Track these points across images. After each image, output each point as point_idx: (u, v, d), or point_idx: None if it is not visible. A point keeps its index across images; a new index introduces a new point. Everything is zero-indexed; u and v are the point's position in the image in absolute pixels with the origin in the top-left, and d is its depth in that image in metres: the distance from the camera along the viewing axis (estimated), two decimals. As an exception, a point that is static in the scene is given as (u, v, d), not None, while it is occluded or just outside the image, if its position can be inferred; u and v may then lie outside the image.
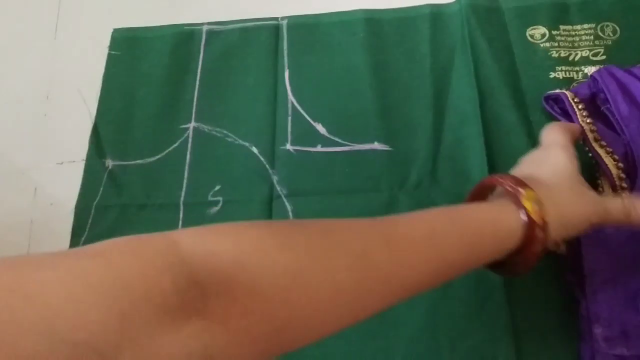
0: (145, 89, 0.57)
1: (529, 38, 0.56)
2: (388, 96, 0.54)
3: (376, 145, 0.51)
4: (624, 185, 0.45)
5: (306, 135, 0.52)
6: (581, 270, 0.42)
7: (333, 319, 0.30)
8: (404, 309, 0.45)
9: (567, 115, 0.49)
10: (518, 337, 0.43)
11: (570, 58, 0.55)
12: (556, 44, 0.55)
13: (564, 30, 0.56)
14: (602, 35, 0.56)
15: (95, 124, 0.56)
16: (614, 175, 0.45)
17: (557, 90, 0.51)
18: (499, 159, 0.50)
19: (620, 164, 0.46)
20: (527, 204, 0.35)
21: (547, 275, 0.45)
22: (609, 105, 0.49)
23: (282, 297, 0.26)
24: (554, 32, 0.56)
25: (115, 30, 0.60)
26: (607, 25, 0.56)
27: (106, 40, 0.60)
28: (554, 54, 0.55)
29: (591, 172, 0.47)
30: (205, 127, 0.54)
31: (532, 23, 0.57)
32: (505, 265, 0.37)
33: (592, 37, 0.56)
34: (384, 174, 0.50)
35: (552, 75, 0.53)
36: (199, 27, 0.59)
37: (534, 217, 0.34)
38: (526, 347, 0.43)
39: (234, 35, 0.58)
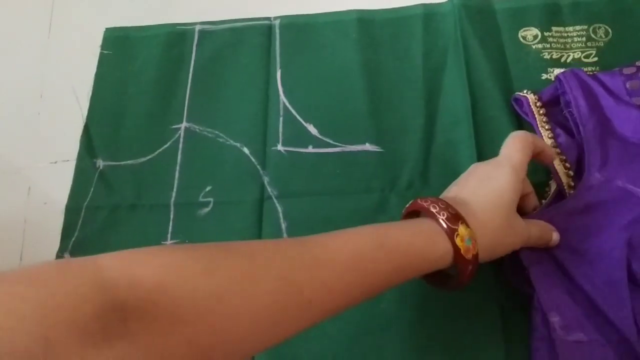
0: (136, 88, 0.56)
1: (521, 39, 0.56)
2: (380, 97, 0.54)
3: (367, 147, 0.51)
4: (572, 192, 0.46)
5: (297, 136, 0.52)
6: (523, 265, 0.43)
7: (253, 343, 0.30)
8: (395, 307, 0.45)
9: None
10: (508, 335, 0.43)
11: (562, 60, 0.55)
12: (548, 46, 0.55)
13: (556, 31, 0.56)
14: (594, 37, 0.56)
15: (87, 123, 0.55)
16: (564, 184, 0.47)
17: (523, 92, 0.51)
18: (488, 157, 0.50)
19: (571, 172, 0.47)
20: (460, 243, 0.35)
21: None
22: (570, 109, 0.49)
23: (203, 322, 0.27)
24: (546, 34, 0.56)
25: (107, 30, 0.60)
26: (599, 27, 0.56)
27: (98, 40, 0.59)
28: (546, 56, 0.55)
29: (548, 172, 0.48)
30: (197, 128, 0.54)
31: (525, 24, 0.57)
32: (436, 279, 0.39)
33: (584, 38, 0.56)
34: (375, 175, 0.50)
35: (544, 76, 0.53)
36: (191, 27, 0.59)
37: (465, 255, 0.35)
38: (515, 345, 0.43)
39: (226, 35, 0.58)
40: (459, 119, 0.52)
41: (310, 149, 0.52)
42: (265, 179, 0.51)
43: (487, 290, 0.45)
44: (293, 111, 0.54)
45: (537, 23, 0.56)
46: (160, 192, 0.51)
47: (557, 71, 0.51)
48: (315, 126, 0.53)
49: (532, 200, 0.45)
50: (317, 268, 0.32)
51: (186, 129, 0.54)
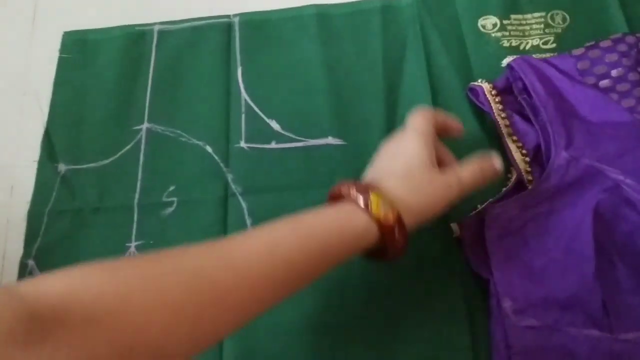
0: (97, 91, 0.56)
1: (481, 28, 0.56)
2: (341, 91, 0.54)
3: (330, 140, 0.51)
4: (530, 178, 0.47)
5: (260, 132, 0.52)
6: (484, 250, 0.43)
7: (178, 340, 0.30)
8: (360, 301, 0.45)
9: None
10: (473, 319, 0.44)
11: (521, 47, 0.55)
12: (507, 34, 0.56)
13: (514, 19, 0.57)
14: (552, 23, 0.56)
15: (47, 128, 0.55)
16: (522, 170, 0.47)
17: (477, 82, 0.52)
18: (452, 150, 0.50)
19: (527, 159, 0.47)
20: (376, 210, 0.36)
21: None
22: (525, 95, 0.50)
23: (117, 321, 0.28)
24: (505, 22, 0.56)
25: (66, 33, 0.59)
26: (557, 14, 0.57)
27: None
28: (505, 44, 0.55)
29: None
30: (159, 128, 0.53)
31: (484, 13, 0.57)
32: (376, 254, 0.39)
33: (542, 25, 0.56)
34: (339, 169, 0.50)
35: (504, 64, 0.54)
36: (150, 27, 0.58)
37: (384, 220, 0.36)
38: (481, 328, 0.43)
39: (186, 34, 0.58)
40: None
41: (273, 145, 0.52)
42: (229, 177, 0.51)
43: (452, 277, 0.45)
44: (255, 107, 0.53)
45: (496, 11, 0.57)
46: (123, 194, 0.51)
47: (511, 59, 0.52)
48: (277, 122, 0.53)
49: (449, 122, 0.45)
50: (231, 262, 0.32)
51: (148, 129, 0.53)
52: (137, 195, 0.51)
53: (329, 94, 0.54)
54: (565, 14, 0.56)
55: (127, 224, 0.50)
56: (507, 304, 0.41)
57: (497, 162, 0.43)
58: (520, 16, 0.57)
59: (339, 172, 0.50)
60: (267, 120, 0.53)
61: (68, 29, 0.59)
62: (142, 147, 0.53)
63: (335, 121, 0.52)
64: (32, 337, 0.25)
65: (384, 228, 0.36)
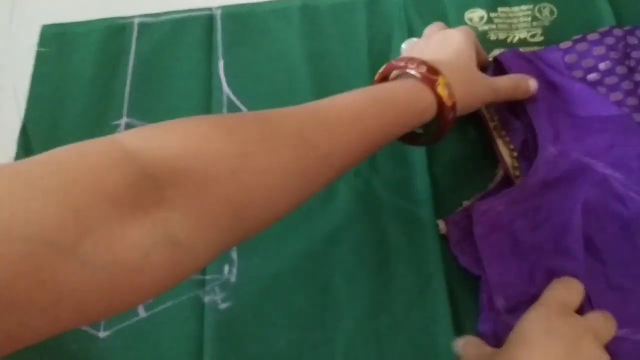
0: (75, 85, 0.54)
1: (468, 21, 0.55)
2: (325, 84, 0.53)
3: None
4: (517, 173, 0.46)
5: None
6: (474, 247, 0.43)
7: (282, 199, 0.32)
8: (344, 299, 0.44)
9: None
10: (458, 320, 0.43)
11: (508, 40, 0.54)
12: (494, 27, 0.55)
13: (502, 12, 0.56)
14: (539, 16, 0.55)
15: (24, 124, 0.53)
16: (509, 165, 0.46)
17: None
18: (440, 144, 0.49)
19: (515, 154, 0.47)
20: (441, 90, 0.39)
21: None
22: None
23: (234, 180, 0.28)
24: (492, 15, 0.56)
25: (44, 27, 0.58)
26: (545, 7, 0.56)
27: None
28: (492, 37, 0.54)
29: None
30: (137, 122, 0.52)
31: (471, 6, 0.56)
32: (418, 137, 0.43)
33: (529, 18, 0.55)
34: (322, 163, 0.49)
35: (490, 58, 0.53)
36: (130, 20, 0.57)
37: (446, 101, 0.39)
38: (466, 329, 0.42)
39: (167, 27, 0.56)
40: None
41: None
42: (210, 172, 0.50)
43: (436, 278, 0.44)
44: (237, 101, 0.52)
45: (483, 4, 0.56)
46: None
47: (499, 52, 0.51)
48: (260, 116, 0.52)
49: (482, 55, 0.49)
50: (327, 125, 0.34)
51: (127, 124, 0.52)
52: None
53: (313, 87, 0.52)
54: (552, 6, 0.56)
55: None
56: (500, 303, 0.40)
57: (532, 83, 0.46)
58: (507, 9, 0.56)
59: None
60: (249, 115, 0.52)
61: (46, 22, 0.58)
62: (121, 142, 0.51)
63: (319, 115, 0.51)
64: (143, 201, 0.24)
65: (443, 109, 0.39)
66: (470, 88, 0.42)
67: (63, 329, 0.23)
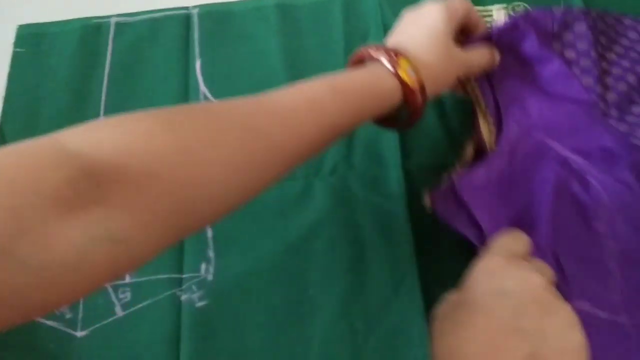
0: (52, 86, 0.54)
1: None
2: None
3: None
4: (494, 147, 0.46)
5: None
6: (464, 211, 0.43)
7: (233, 192, 0.31)
8: (320, 297, 0.44)
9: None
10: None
11: (483, 38, 0.55)
12: (469, 25, 0.56)
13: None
14: (513, 15, 0.56)
15: (0, 125, 0.53)
16: (487, 144, 0.46)
17: None
18: (411, 141, 0.50)
19: (493, 127, 0.46)
20: (403, 74, 0.38)
21: (460, 259, 0.44)
22: None
23: (176, 175, 0.28)
24: (466, 13, 0.56)
25: (20, 27, 0.57)
26: (519, 5, 0.57)
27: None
28: (467, 35, 0.55)
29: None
30: (115, 122, 0.52)
31: (446, 5, 0.57)
32: (391, 120, 0.42)
33: (503, 17, 0.56)
34: (299, 162, 0.50)
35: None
36: (106, 20, 0.57)
37: (412, 85, 0.38)
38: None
39: (144, 26, 0.56)
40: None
41: (232, 139, 0.51)
42: (187, 171, 0.50)
43: (410, 276, 0.44)
44: (213, 100, 0.52)
45: (458, 3, 0.56)
46: None
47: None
48: (237, 115, 0.52)
49: (480, 25, 0.47)
50: (279, 115, 0.33)
51: (104, 124, 0.52)
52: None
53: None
54: (526, 5, 0.56)
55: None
56: None
57: (497, 55, 0.46)
58: (481, 7, 0.56)
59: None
60: (226, 114, 0.52)
61: (22, 22, 0.58)
62: (98, 142, 0.51)
63: (295, 114, 0.51)
64: (84, 199, 0.24)
65: (408, 92, 0.39)
66: (442, 68, 0.41)
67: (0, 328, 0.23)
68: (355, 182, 0.49)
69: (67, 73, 0.55)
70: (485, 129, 0.46)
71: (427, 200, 0.45)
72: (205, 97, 0.53)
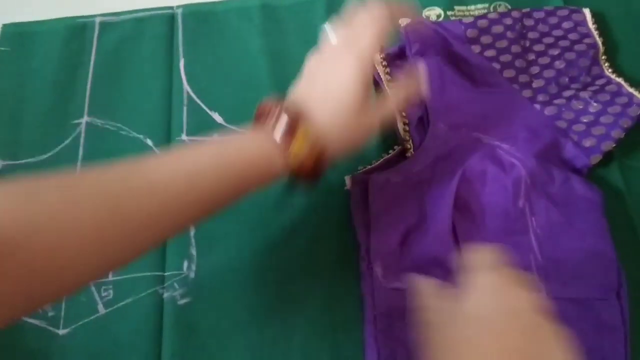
0: (36, 85, 0.54)
1: (425, 19, 0.56)
2: (285, 82, 0.53)
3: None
4: (408, 146, 0.48)
5: (202, 124, 0.51)
6: (368, 214, 0.45)
7: (94, 264, 0.31)
8: (301, 294, 0.45)
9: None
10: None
11: (465, 38, 0.55)
12: (451, 25, 0.56)
13: (458, 10, 0.57)
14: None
15: (-16, 124, 0.53)
16: (401, 139, 0.48)
17: None
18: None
19: (407, 127, 0.48)
20: (293, 160, 0.36)
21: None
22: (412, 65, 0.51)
23: (34, 245, 0.28)
24: (449, 13, 0.57)
25: (4, 26, 0.58)
26: (500, 5, 0.57)
27: None
28: (449, 35, 0.55)
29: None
30: (98, 121, 0.52)
31: (428, 4, 0.57)
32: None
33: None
34: (282, 160, 0.50)
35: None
36: (91, 19, 0.57)
37: (303, 164, 0.36)
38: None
39: (128, 26, 0.57)
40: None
41: (215, 138, 0.51)
42: (170, 170, 0.50)
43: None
44: (197, 100, 0.53)
45: (441, 2, 0.57)
46: None
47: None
48: (220, 114, 0.52)
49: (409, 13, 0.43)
50: (151, 188, 0.32)
51: (87, 123, 0.52)
52: (75, 190, 0.50)
53: (274, 85, 0.53)
54: (507, 4, 0.57)
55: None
56: (378, 269, 0.43)
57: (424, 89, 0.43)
58: (464, 7, 0.57)
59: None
60: (210, 113, 0.52)
61: (7, 22, 0.58)
62: (82, 141, 0.52)
63: (278, 113, 0.52)
64: None
65: (300, 169, 0.37)
66: (348, 133, 0.38)
67: None
68: (335, 176, 0.49)
69: (51, 72, 0.55)
70: (401, 128, 0.48)
71: (348, 183, 0.47)
72: (189, 96, 0.53)
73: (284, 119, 0.36)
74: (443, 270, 0.42)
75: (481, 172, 0.46)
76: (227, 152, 0.36)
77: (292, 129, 0.36)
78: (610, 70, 0.52)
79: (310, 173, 0.37)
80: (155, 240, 0.34)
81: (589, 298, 0.42)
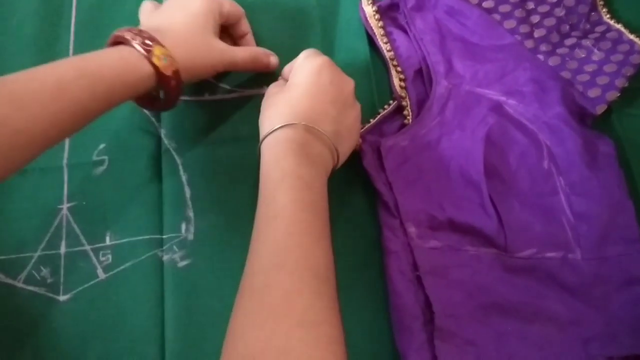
0: (16, 47, 0.52)
1: None
2: (276, 36, 0.52)
3: (265, 89, 0.49)
4: (405, 104, 0.48)
5: (192, 84, 0.50)
6: (385, 174, 0.45)
7: None
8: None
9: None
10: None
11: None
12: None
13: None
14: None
15: (-36, 88, 0.51)
16: (398, 95, 0.48)
17: (363, 4, 0.51)
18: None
19: (403, 84, 0.48)
20: (157, 61, 0.39)
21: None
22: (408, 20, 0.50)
23: None
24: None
25: (-21, -14, 0.55)
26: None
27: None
28: None
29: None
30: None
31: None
32: (154, 101, 0.44)
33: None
34: (275, 118, 0.49)
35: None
36: (69, -24, 0.54)
37: (164, 71, 0.39)
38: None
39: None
40: (357, 54, 0.51)
41: (206, 97, 0.50)
42: (162, 132, 0.49)
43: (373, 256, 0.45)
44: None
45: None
46: (50, 154, 0.47)
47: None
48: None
49: (243, 26, 0.49)
50: (22, 100, 0.34)
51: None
52: (65, 155, 0.49)
53: (264, 39, 0.52)
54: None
55: (57, 185, 0.48)
56: (411, 229, 0.43)
57: (273, 60, 0.48)
58: None
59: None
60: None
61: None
62: (68, 103, 0.50)
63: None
64: None
65: (162, 78, 0.40)
66: (198, 55, 0.42)
67: None
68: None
69: (31, 33, 0.53)
70: (397, 83, 0.48)
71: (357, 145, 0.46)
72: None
73: (139, 40, 0.39)
74: (483, 235, 0.42)
75: (499, 133, 0.45)
76: (91, 62, 0.38)
77: (148, 45, 0.39)
78: (608, 16, 0.51)
79: (169, 86, 0.40)
80: (26, 157, 0.35)
81: (620, 254, 0.42)
